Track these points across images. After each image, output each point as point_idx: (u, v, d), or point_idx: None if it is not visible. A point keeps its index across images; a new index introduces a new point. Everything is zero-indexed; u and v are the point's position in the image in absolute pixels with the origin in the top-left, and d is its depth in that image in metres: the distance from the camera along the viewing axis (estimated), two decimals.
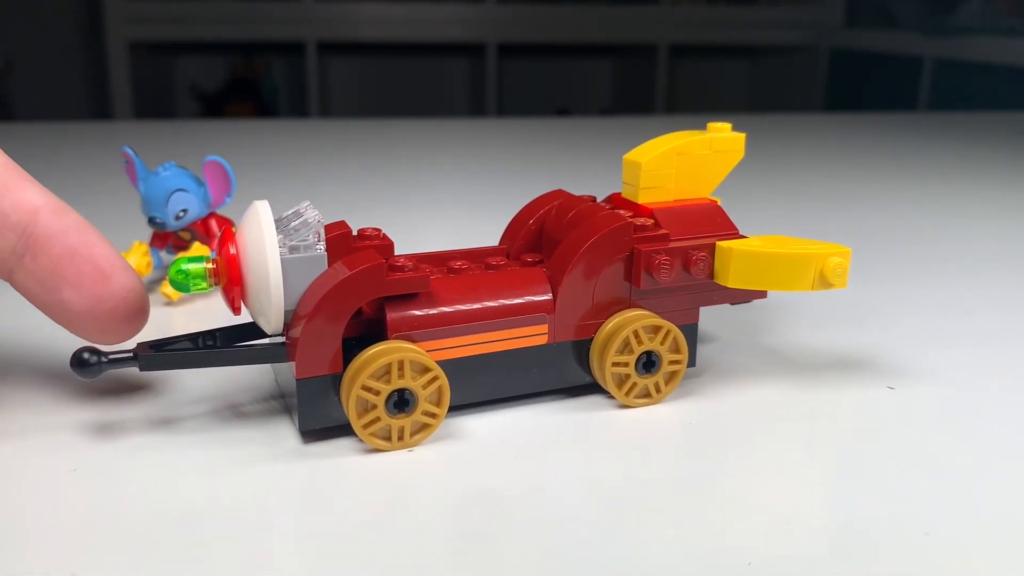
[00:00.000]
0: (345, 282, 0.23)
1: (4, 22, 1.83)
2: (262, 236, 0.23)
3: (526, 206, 0.30)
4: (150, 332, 0.34)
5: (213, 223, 0.38)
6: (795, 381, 0.30)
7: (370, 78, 2.12)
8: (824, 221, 0.53)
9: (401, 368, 0.24)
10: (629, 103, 2.15)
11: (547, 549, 0.20)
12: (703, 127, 0.30)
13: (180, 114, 2.06)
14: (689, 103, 2.16)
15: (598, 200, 0.30)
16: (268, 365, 0.28)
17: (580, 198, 0.29)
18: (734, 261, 0.27)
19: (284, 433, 0.25)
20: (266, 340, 0.26)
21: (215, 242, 0.38)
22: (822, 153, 0.79)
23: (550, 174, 0.67)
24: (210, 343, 0.25)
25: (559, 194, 0.30)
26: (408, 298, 0.25)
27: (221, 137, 0.84)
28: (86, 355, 0.23)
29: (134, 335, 0.26)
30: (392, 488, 0.23)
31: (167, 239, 0.38)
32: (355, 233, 0.27)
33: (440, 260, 0.28)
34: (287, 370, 0.25)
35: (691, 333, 0.28)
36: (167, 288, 0.36)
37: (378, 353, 0.24)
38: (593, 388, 0.28)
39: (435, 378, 0.24)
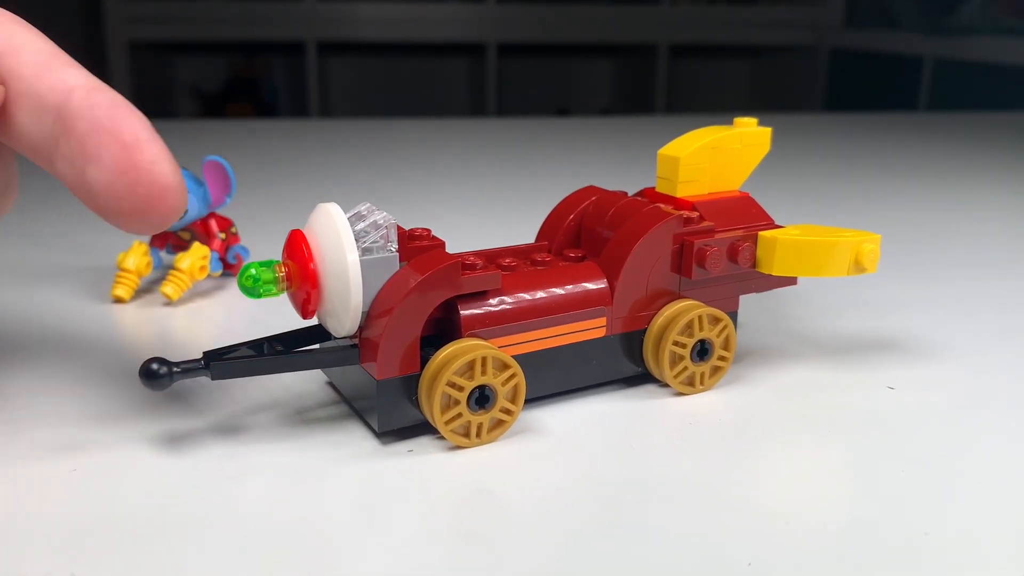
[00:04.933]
0: (424, 282, 0.24)
1: None
2: (340, 237, 0.23)
3: (561, 202, 0.31)
4: (152, 332, 0.34)
5: (213, 223, 0.38)
6: (794, 381, 0.30)
7: (370, 78, 2.12)
8: (824, 221, 0.53)
9: (484, 365, 0.24)
10: (629, 103, 2.15)
11: (547, 548, 0.20)
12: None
13: (180, 114, 2.06)
14: (689, 103, 2.16)
15: (630, 195, 0.30)
16: (318, 372, 0.29)
17: (616, 194, 0.30)
18: (778, 249, 0.28)
19: (361, 433, 0.25)
20: (328, 344, 0.26)
21: (214, 242, 0.38)
22: (822, 153, 0.79)
23: (550, 174, 0.67)
24: (280, 348, 0.26)
25: (594, 190, 0.31)
26: (478, 296, 0.25)
27: (221, 137, 0.84)
28: (155, 366, 0.22)
29: (168, 220, 0.23)
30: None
31: (167, 239, 0.38)
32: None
33: (488, 258, 0.28)
34: (355, 373, 0.25)
35: (732, 321, 0.29)
36: (167, 288, 0.36)
37: (462, 350, 0.24)
38: (622, 380, 0.29)
39: (513, 375, 0.25)
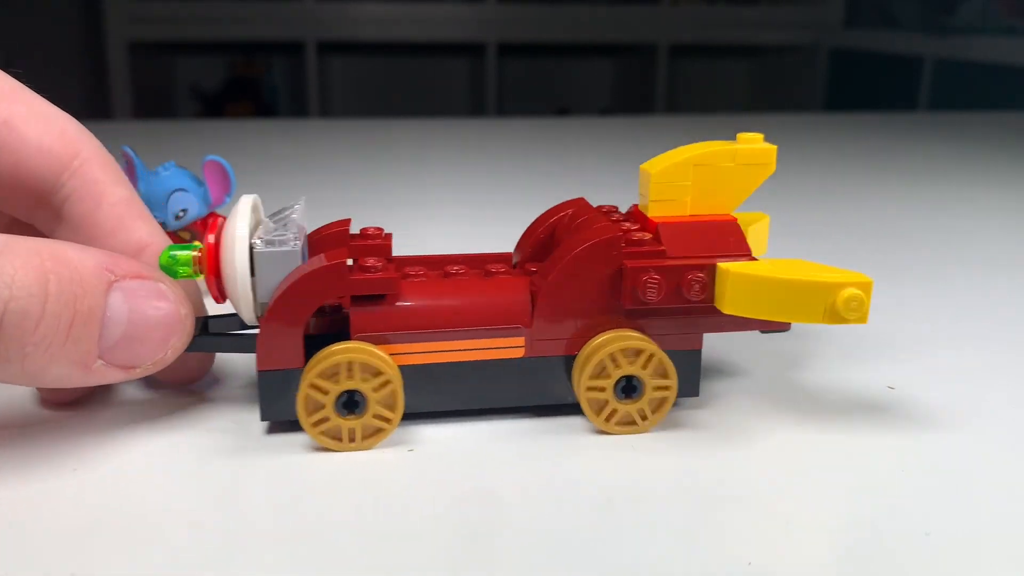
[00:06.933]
0: (304, 279, 0.24)
1: (4, 22, 1.83)
2: (234, 227, 0.24)
3: (543, 213, 0.29)
4: None
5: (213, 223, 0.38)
6: (793, 380, 0.30)
7: (370, 78, 2.12)
8: (824, 221, 0.53)
9: (350, 369, 0.24)
10: (629, 103, 2.15)
11: (546, 548, 0.20)
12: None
13: (180, 114, 2.06)
14: (689, 103, 2.16)
15: (621, 210, 0.29)
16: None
17: (595, 208, 0.28)
18: (729, 284, 0.24)
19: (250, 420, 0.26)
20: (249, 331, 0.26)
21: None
22: (822, 153, 0.79)
23: (550, 174, 0.67)
24: (212, 330, 0.26)
25: (576, 203, 0.29)
26: (376, 300, 0.25)
27: (221, 137, 0.84)
28: None
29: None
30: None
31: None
32: (358, 231, 0.27)
33: (438, 264, 0.28)
34: None
35: (692, 360, 0.26)
36: None
37: (329, 353, 0.24)
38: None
39: (387, 382, 0.24)
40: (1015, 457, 0.25)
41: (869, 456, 0.25)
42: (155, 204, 0.36)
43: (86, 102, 1.96)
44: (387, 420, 0.24)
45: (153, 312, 0.23)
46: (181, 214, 0.37)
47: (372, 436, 0.24)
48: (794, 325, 0.35)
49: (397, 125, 0.92)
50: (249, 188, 0.26)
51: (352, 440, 0.24)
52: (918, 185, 0.64)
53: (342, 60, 2.08)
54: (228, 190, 0.38)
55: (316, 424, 0.24)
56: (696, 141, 0.28)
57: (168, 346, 0.23)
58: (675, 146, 0.27)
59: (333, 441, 0.24)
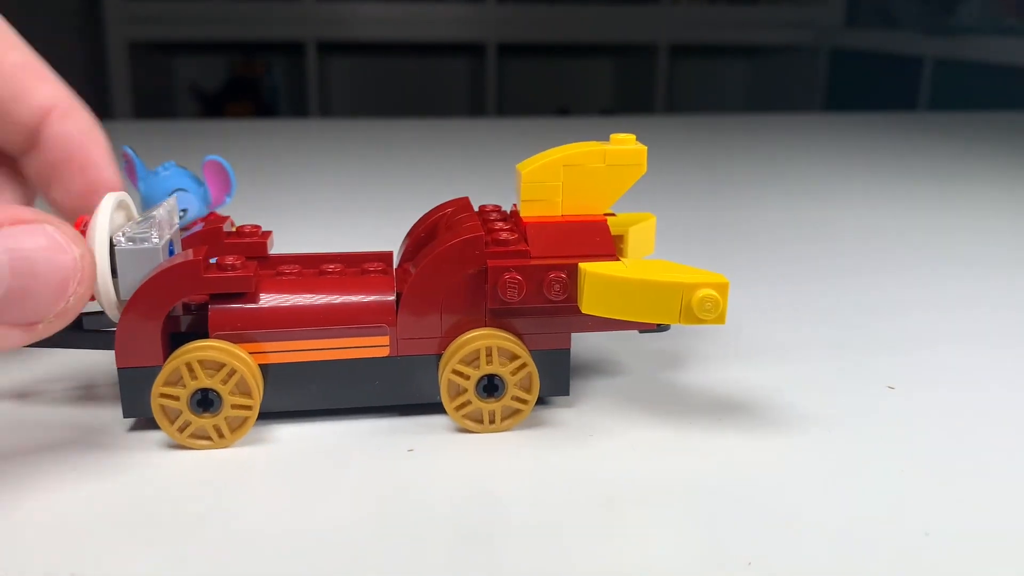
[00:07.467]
0: (157, 278, 0.23)
1: None
2: (94, 225, 0.24)
3: (425, 213, 0.29)
4: None
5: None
6: (794, 380, 0.30)
7: (370, 78, 2.12)
8: (824, 221, 0.53)
9: (191, 369, 0.24)
10: (629, 103, 2.15)
11: (546, 548, 0.20)
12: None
13: (180, 114, 2.06)
14: (689, 103, 2.16)
15: (505, 211, 0.28)
16: None
17: (470, 210, 0.28)
18: (586, 285, 0.24)
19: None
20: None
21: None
22: (822, 153, 0.79)
23: None
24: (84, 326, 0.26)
25: (457, 202, 0.28)
26: (236, 298, 0.24)
27: (221, 137, 0.84)
28: None
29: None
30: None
31: None
32: (234, 229, 0.27)
33: (315, 262, 0.27)
34: None
35: (561, 359, 0.26)
36: None
37: (181, 351, 0.24)
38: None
39: (247, 403, 0.24)
40: (1014, 457, 0.25)
41: (869, 456, 0.25)
42: (155, 204, 0.36)
43: (86, 102, 1.96)
44: (220, 436, 0.24)
45: (42, 259, 0.20)
46: (181, 214, 0.36)
47: (200, 439, 0.24)
48: (791, 325, 0.35)
49: (397, 125, 0.92)
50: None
51: (220, 436, 0.24)
52: (918, 185, 0.64)
53: (342, 60, 2.08)
54: (228, 190, 0.38)
55: (181, 429, 0.24)
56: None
57: (68, 293, 0.21)
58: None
59: (203, 440, 0.24)
